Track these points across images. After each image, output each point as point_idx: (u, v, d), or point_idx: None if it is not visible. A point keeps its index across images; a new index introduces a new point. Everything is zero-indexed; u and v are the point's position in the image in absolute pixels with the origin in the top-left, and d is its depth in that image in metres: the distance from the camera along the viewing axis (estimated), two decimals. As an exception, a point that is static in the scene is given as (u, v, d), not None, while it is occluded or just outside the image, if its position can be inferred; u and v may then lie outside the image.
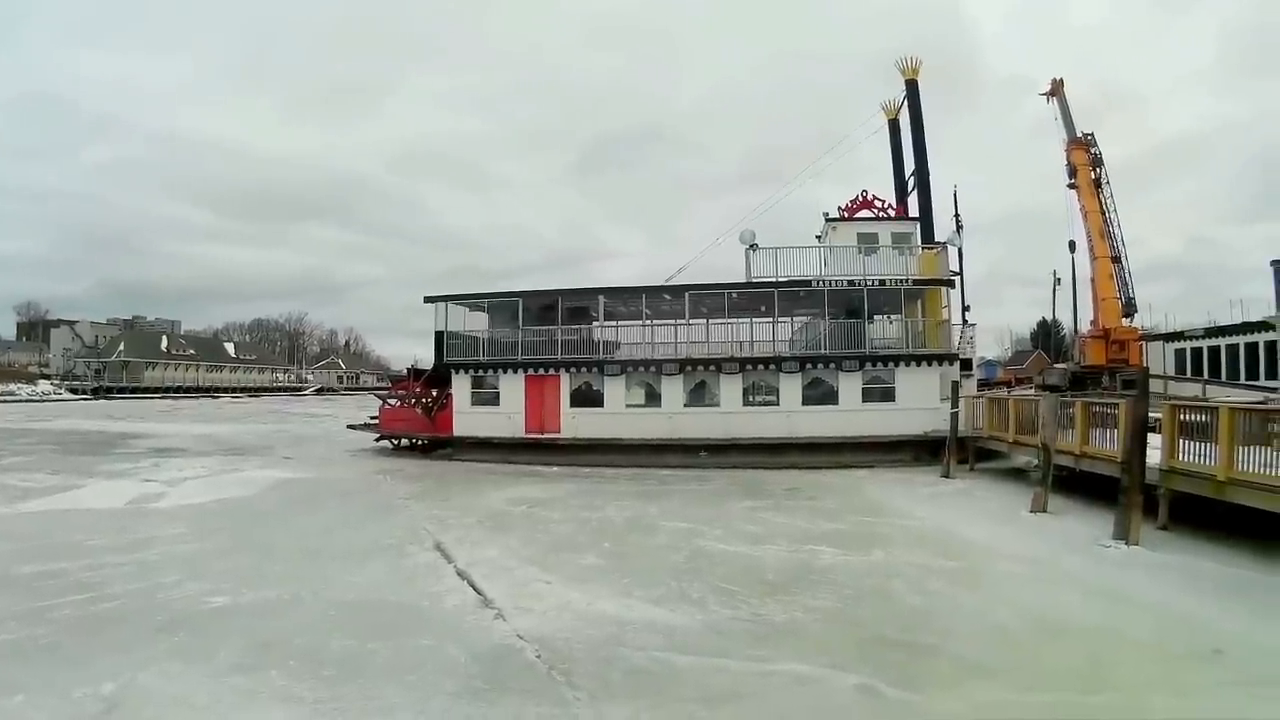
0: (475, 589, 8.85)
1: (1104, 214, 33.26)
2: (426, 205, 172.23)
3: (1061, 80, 35.41)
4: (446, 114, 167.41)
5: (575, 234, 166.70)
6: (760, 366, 23.04)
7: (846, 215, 24.60)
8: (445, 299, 25.50)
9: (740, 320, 24.60)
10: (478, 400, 24.73)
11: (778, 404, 22.75)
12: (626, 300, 25.44)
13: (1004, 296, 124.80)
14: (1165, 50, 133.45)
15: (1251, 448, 10.63)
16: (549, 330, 24.43)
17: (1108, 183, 33.71)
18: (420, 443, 26.57)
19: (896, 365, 22.67)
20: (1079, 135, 34.29)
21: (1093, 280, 34.14)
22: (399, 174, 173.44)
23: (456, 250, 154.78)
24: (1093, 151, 33.91)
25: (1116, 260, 33.01)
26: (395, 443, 27.36)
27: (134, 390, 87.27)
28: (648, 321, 25.20)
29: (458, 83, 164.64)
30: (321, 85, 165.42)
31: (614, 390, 23.56)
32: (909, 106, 26.25)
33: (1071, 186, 34.44)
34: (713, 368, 23.09)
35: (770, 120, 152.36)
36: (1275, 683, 6.31)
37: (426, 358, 26.79)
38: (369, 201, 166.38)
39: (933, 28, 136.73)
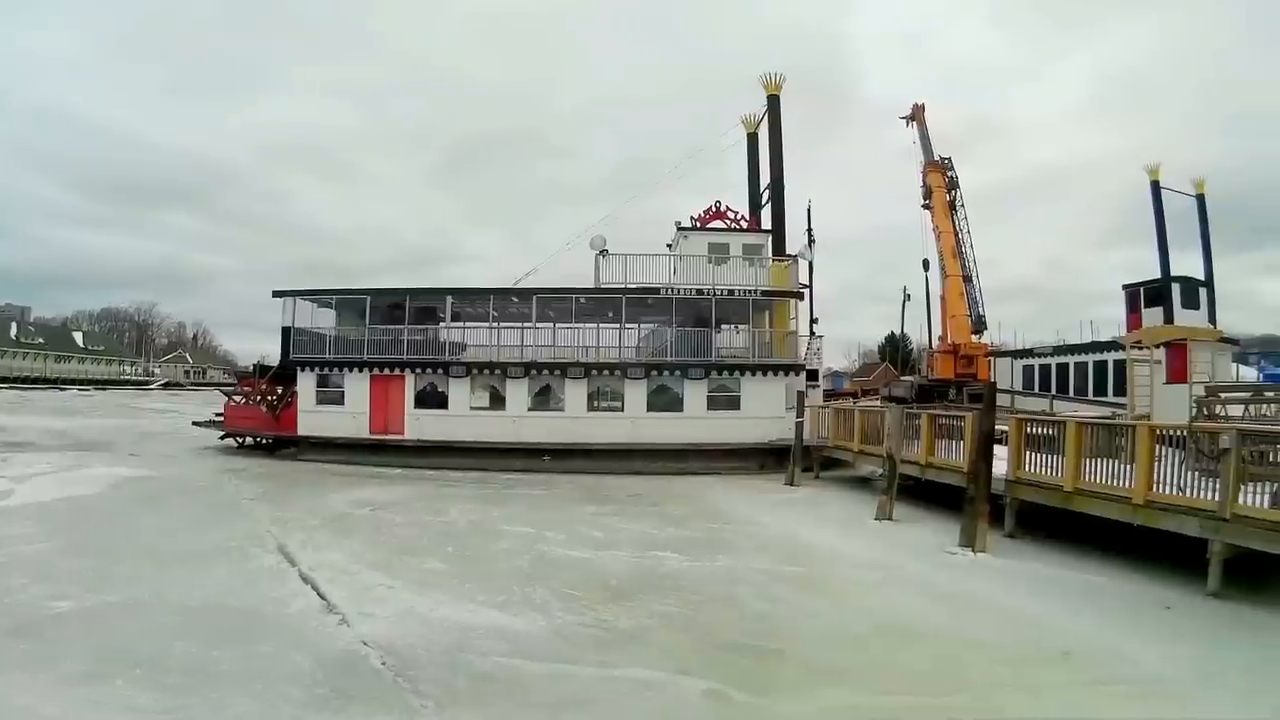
0: (319, 594, 8.74)
1: (957, 235, 34.68)
2: (290, 198, 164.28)
3: (922, 105, 36.97)
4: (321, 105, 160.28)
5: (436, 234, 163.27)
6: (606, 372, 22.99)
7: (699, 225, 24.74)
8: (293, 294, 24.62)
9: (587, 325, 24.45)
10: (322, 399, 23.92)
11: (622, 410, 22.74)
12: (474, 302, 25.02)
13: (858, 311, 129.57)
14: (1039, 87, 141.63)
15: (1099, 460, 11.14)
16: (395, 330, 23.84)
17: (962, 205, 35.27)
18: (265, 441, 25.61)
19: (742, 374, 22.93)
20: (936, 158, 35.74)
21: (943, 297, 35.55)
22: (266, 164, 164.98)
23: (315, 245, 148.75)
24: (949, 175, 35.37)
25: (968, 279, 34.42)
26: (240, 441, 26.41)
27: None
28: (494, 324, 24.88)
29: (337, 74, 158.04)
30: (202, 67, 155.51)
31: (459, 392, 23.13)
32: (769, 121, 26.51)
33: (926, 207, 35.86)
34: (558, 372, 22.95)
35: (647, 133, 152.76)
36: (1124, 681, 6.53)
37: (275, 354, 25.72)
38: (233, 191, 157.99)
39: (816, 55, 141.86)
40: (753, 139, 28.47)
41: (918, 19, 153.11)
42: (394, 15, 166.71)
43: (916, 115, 37.05)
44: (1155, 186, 32.10)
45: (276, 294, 24.69)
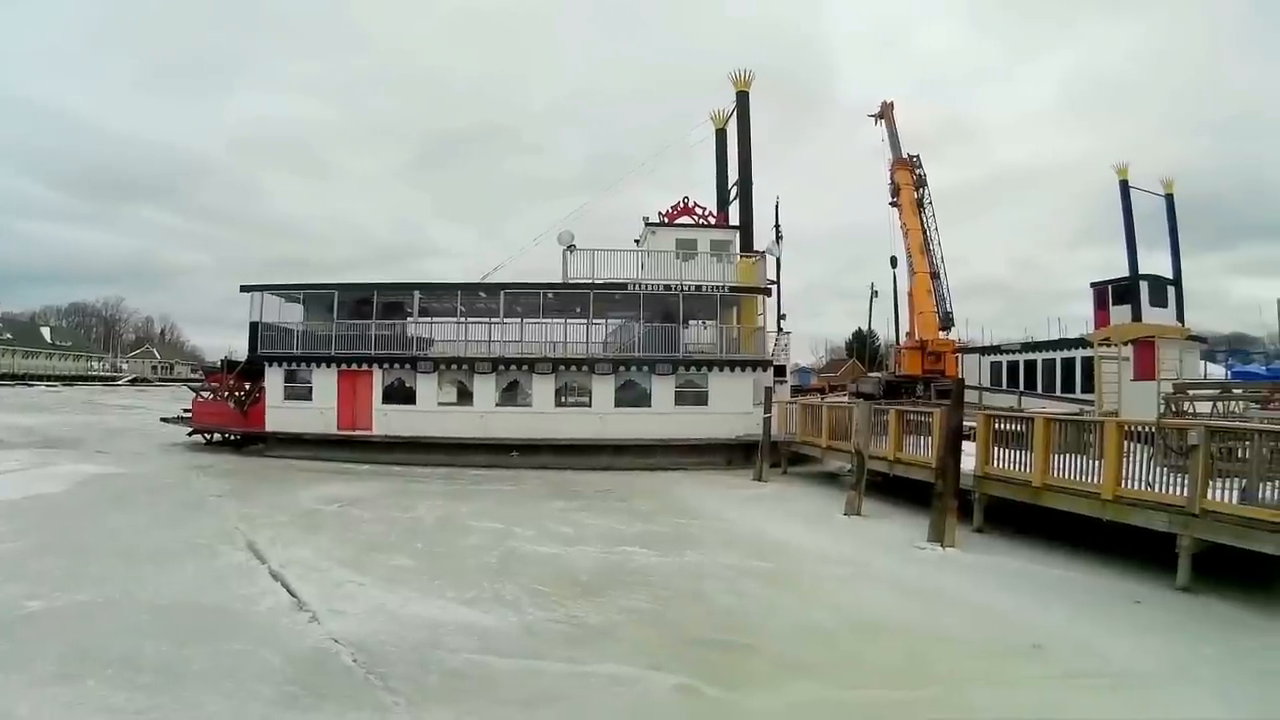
0: (289, 591, 8.74)
1: (925, 232, 34.99)
2: (261, 192, 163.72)
3: (891, 104, 37.26)
4: (295, 98, 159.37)
5: (409, 230, 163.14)
6: (573, 367, 22.98)
7: (667, 221, 24.84)
8: (261, 289, 24.46)
9: (555, 321, 24.49)
10: (290, 395, 23.81)
11: (590, 405, 22.77)
12: (442, 297, 24.88)
13: (826, 308, 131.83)
14: (1013, 89, 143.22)
15: (1067, 455, 11.23)
16: (363, 325, 23.77)
17: (930, 202, 35.59)
18: (233, 437, 25.47)
19: (710, 370, 23.04)
20: (904, 156, 36.03)
21: (911, 294, 35.88)
22: (239, 158, 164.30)
23: (286, 240, 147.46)
24: (917, 173, 35.68)
25: (935, 276, 34.74)
26: (208, 437, 26.23)
27: (-51, 376, 79.87)
28: (462, 319, 24.77)
29: (312, 67, 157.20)
30: (176, 59, 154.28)
31: (426, 388, 23.09)
32: (738, 117, 26.57)
33: (894, 205, 36.16)
34: (526, 367, 22.93)
35: (620, 130, 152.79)
36: (1095, 675, 6.57)
37: (243, 349, 25.57)
38: (205, 185, 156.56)
39: (792, 54, 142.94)
40: (721, 135, 28.48)
41: (893, 20, 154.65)
42: (375, 11, 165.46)
43: (885, 113, 37.36)
44: (1124, 186, 32.38)
45: (244, 289, 24.52)
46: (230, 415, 25.48)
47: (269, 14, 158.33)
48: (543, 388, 22.87)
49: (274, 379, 23.93)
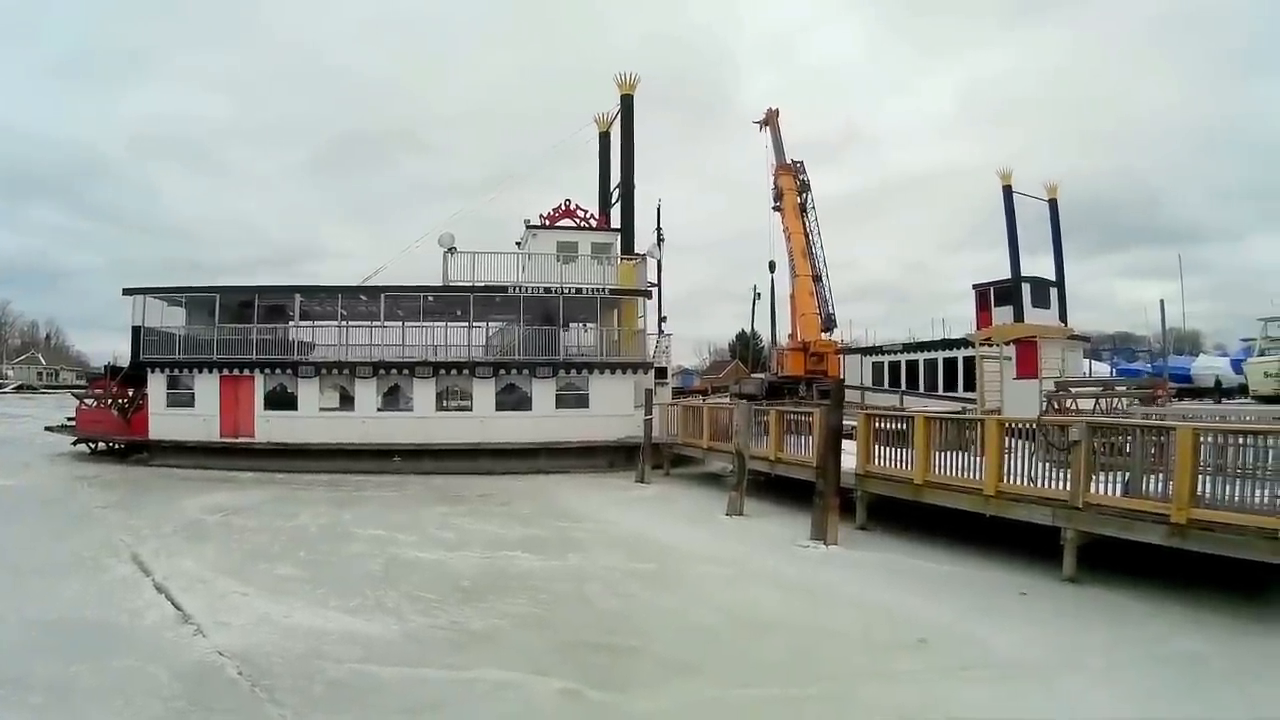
0: (174, 603, 8.72)
1: (807, 236, 36.01)
2: (159, 192, 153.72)
3: (776, 111, 38.17)
4: (198, 96, 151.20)
5: (303, 232, 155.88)
6: (454, 371, 23.15)
7: (548, 223, 25.15)
8: (143, 292, 24.03)
9: (436, 324, 24.65)
10: (173, 402, 23.47)
11: (471, 409, 22.97)
12: (324, 300, 24.85)
13: (713, 311, 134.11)
14: (909, 99, 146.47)
15: (949, 453, 11.49)
16: (244, 329, 23.55)
17: (813, 207, 36.55)
18: (117, 446, 25.12)
19: (591, 372, 23.42)
20: (787, 161, 37.00)
21: (793, 296, 36.90)
22: (137, 156, 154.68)
23: (182, 242, 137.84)
24: (800, 178, 36.69)
25: (818, 279, 35.77)
26: (92, 446, 25.75)
27: None
28: (343, 323, 24.71)
29: (219, 64, 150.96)
30: (74, 51, 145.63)
31: (308, 393, 23.01)
32: (622, 120, 27.01)
33: (777, 209, 37.21)
34: (406, 371, 23.02)
35: (521, 135, 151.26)
36: (980, 666, 6.75)
37: (128, 355, 25.18)
38: (101, 183, 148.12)
39: (695, 60, 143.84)
40: (606, 138, 28.73)
41: (793, 30, 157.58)
42: (280, 7, 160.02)
43: (770, 120, 38.23)
44: (1008, 191, 33.68)
45: (127, 292, 24.09)
46: (114, 423, 25.15)
47: (173, 5, 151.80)
48: (423, 392, 22.98)
49: (156, 385, 23.57)
